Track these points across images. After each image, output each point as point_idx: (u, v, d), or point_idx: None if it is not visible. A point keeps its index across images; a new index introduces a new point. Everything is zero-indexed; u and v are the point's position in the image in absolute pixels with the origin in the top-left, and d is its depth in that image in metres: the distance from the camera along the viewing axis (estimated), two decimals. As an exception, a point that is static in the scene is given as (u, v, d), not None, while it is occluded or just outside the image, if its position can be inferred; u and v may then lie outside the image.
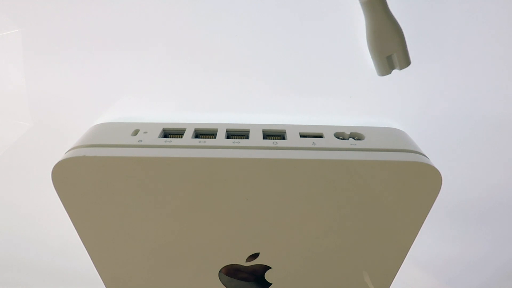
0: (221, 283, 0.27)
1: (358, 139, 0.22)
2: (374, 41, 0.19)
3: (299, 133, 0.22)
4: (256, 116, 0.23)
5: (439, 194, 0.21)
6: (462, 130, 0.24)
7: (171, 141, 0.20)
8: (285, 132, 0.22)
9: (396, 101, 0.23)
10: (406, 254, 0.24)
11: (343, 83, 0.22)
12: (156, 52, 0.21)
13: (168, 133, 0.22)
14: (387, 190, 0.21)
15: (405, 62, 0.19)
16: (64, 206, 0.21)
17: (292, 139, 0.21)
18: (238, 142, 0.20)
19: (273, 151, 0.20)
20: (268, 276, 0.26)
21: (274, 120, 0.23)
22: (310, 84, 0.22)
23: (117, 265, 0.25)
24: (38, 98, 0.22)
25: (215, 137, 0.21)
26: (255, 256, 0.24)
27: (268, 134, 0.22)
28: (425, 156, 0.21)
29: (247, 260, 0.25)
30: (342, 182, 0.20)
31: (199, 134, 0.22)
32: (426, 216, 0.22)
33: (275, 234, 0.23)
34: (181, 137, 0.21)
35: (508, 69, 0.21)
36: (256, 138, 0.21)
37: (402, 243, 0.24)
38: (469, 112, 0.23)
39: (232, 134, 0.22)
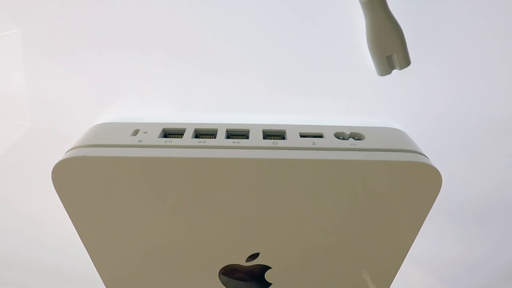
0: (221, 283, 0.27)
1: (358, 139, 0.22)
2: (374, 41, 0.19)
3: (299, 133, 0.22)
4: (256, 116, 0.23)
5: (439, 194, 0.21)
6: (462, 130, 0.24)
7: (171, 141, 0.20)
8: (285, 132, 0.22)
9: (396, 101, 0.23)
10: (406, 254, 0.24)
11: (343, 83, 0.22)
12: (156, 52, 0.21)
13: (168, 133, 0.22)
14: (387, 190, 0.21)
15: (405, 62, 0.19)
16: (64, 206, 0.21)
17: (292, 139, 0.21)
18: (238, 142, 0.20)
19: (273, 151, 0.20)
20: (268, 276, 0.26)
21: (274, 120, 0.23)
22: (310, 84, 0.22)
23: (117, 265, 0.25)
24: (38, 98, 0.22)
25: (215, 137, 0.21)
26: (255, 256, 0.24)
27: (268, 134, 0.22)
28: (425, 156, 0.21)
29: (247, 260, 0.25)
30: (342, 182, 0.20)
31: (199, 134, 0.22)
32: (426, 216, 0.22)
33: (275, 234, 0.23)
34: (181, 137, 0.21)
35: (507, 69, 0.21)
36: (256, 138, 0.21)
37: (402, 243, 0.24)
38: (469, 112, 0.23)
39: (232, 134, 0.22)
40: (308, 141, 0.21)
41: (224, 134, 0.21)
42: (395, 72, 0.20)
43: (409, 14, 0.19)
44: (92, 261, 0.24)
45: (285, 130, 0.22)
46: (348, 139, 0.22)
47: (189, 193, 0.20)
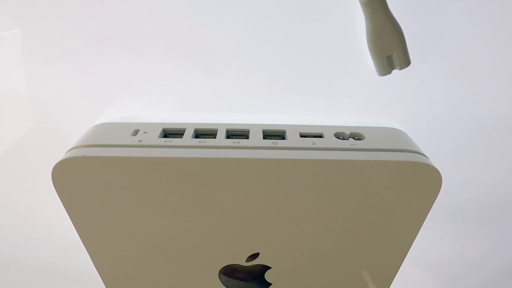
0: (221, 283, 0.27)
1: (358, 139, 0.22)
2: (374, 41, 0.19)
3: (299, 133, 0.22)
4: (256, 116, 0.23)
5: (439, 194, 0.21)
6: (462, 130, 0.24)
7: (171, 141, 0.20)
8: (285, 132, 0.22)
9: (396, 101, 0.23)
10: (406, 254, 0.24)
11: (343, 83, 0.22)
12: (156, 52, 0.21)
13: (168, 133, 0.22)
14: (387, 190, 0.21)
15: (405, 62, 0.19)
16: (64, 206, 0.21)
17: (292, 139, 0.21)
18: (238, 142, 0.20)
19: (273, 151, 0.20)
20: (268, 276, 0.26)
21: (274, 120, 0.23)
22: (310, 84, 0.22)
23: (117, 265, 0.25)
24: (38, 98, 0.22)
25: (215, 137, 0.21)
26: (255, 256, 0.24)
27: (268, 134, 0.22)
28: (425, 156, 0.21)
29: (247, 260, 0.25)
30: (342, 182, 0.20)
31: (199, 134, 0.22)
32: (426, 216, 0.22)
33: (275, 234, 0.23)
34: (181, 137, 0.21)
35: (507, 69, 0.21)
36: (256, 138, 0.21)
37: (402, 243, 0.24)
38: (469, 112, 0.23)
39: (232, 134, 0.22)
40: (308, 141, 0.21)
41: (224, 134, 0.21)
42: (395, 72, 0.20)
43: (409, 14, 0.19)
44: (92, 261, 0.24)
45: (285, 130, 0.22)
46: (348, 139, 0.22)
47: (189, 193, 0.20)
